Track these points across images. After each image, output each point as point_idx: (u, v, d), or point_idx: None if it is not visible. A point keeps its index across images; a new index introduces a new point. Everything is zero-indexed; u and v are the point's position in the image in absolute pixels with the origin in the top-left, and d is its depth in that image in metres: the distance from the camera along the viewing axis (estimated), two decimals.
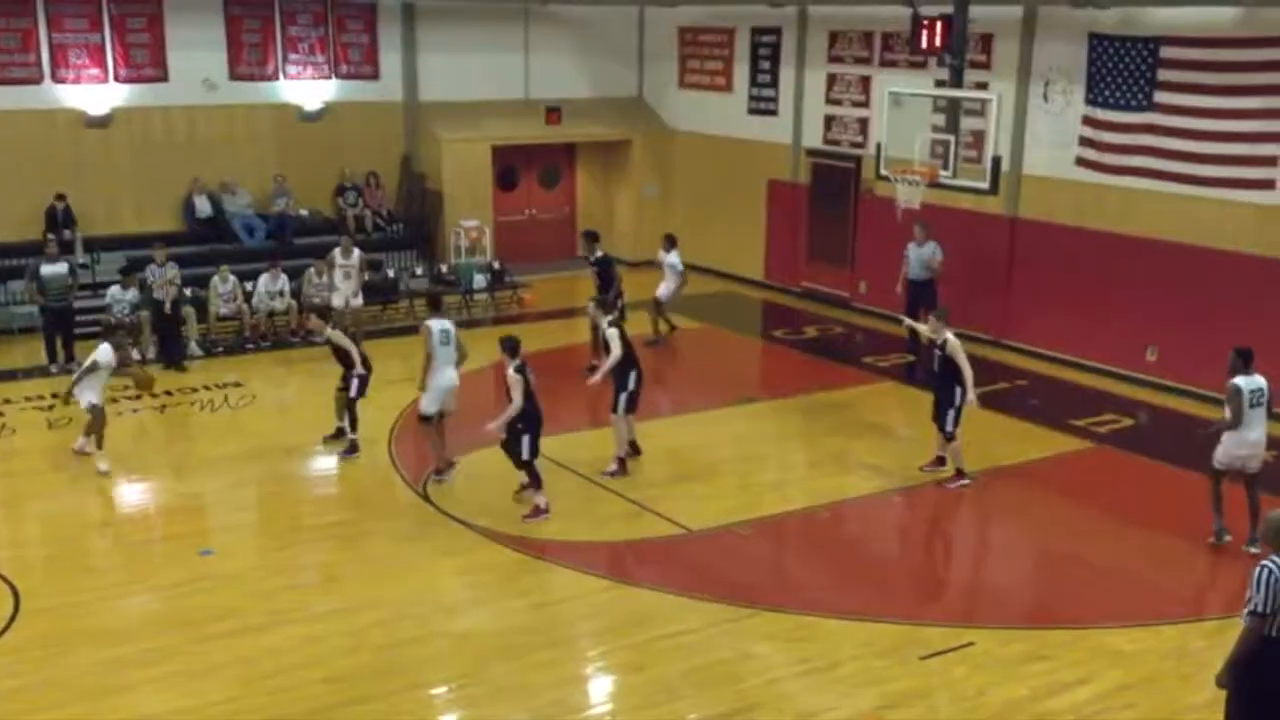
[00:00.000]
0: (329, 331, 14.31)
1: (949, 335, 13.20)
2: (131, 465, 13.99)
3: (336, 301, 18.00)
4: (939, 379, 13.37)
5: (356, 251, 18.46)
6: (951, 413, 13.24)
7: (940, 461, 13.64)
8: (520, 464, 12.33)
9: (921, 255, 18.13)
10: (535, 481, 12.35)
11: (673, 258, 18.95)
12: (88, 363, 13.80)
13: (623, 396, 13.43)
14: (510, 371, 12.10)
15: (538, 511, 12.30)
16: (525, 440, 12.16)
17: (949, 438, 13.39)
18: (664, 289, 19.02)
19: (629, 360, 13.41)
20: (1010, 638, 10.18)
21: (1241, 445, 11.68)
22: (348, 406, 14.17)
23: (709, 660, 9.75)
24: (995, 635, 10.20)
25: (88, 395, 13.69)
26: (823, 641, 10.10)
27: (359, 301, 18.52)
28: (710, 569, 11.51)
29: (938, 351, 13.30)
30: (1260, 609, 7.44)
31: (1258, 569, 7.51)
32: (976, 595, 11.64)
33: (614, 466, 13.55)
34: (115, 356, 13.88)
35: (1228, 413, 11.69)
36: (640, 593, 10.94)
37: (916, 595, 11.40)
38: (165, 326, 17.70)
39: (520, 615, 10.52)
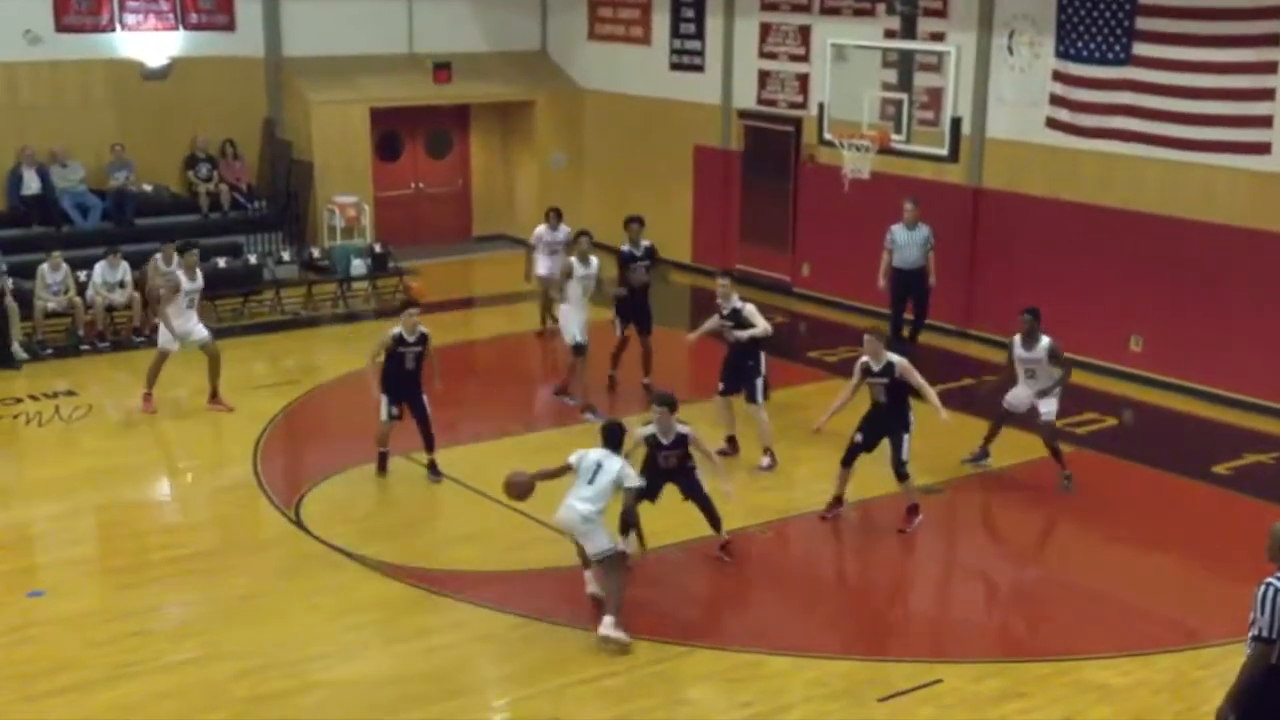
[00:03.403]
0: (699, 440, 11.89)
1: (892, 357, 12.69)
2: None
3: (164, 342, 15.79)
4: (888, 412, 12.75)
5: (187, 272, 15.86)
6: (907, 439, 12.69)
7: (839, 502, 13.16)
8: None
9: (914, 239, 17.94)
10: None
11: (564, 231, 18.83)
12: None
13: (759, 383, 14.26)
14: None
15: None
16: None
17: (905, 476, 12.84)
18: (551, 266, 18.76)
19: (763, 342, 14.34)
20: (982, 673, 10.28)
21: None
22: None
23: (636, 708, 9.74)
24: (965, 670, 10.30)
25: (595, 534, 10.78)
26: (767, 682, 10.13)
27: (203, 333, 16.03)
28: (636, 601, 11.48)
29: (880, 381, 12.70)
30: (1266, 633, 7.56)
31: (1262, 587, 7.63)
32: (943, 625, 11.73)
33: (767, 460, 14.41)
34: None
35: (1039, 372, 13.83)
36: (556, 630, 10.90)
37: (874, 627, 11.48)
38: None
39: (414, 660, 10.44)
